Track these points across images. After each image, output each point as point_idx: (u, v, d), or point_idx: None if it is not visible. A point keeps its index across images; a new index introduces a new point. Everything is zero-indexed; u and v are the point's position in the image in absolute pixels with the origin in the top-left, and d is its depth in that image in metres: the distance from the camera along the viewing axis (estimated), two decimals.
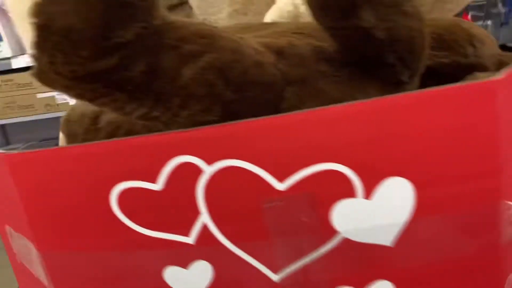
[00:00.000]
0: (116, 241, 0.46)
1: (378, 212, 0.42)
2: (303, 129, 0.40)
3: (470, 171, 0.41)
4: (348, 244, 0.44)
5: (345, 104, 0.40)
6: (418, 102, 0.40)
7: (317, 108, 0.40)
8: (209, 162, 0.42)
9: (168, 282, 0.47)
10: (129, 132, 0.52)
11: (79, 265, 0.48)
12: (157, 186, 0.43)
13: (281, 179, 0.42)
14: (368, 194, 0.42)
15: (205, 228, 0.44)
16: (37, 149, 0.43)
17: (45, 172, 0.44)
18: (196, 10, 0.84)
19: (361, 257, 0.44)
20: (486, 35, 0.57)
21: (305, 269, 0.45)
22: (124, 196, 0.44)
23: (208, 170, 0.42)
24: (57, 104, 3.01)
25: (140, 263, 0.47)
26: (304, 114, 0.40)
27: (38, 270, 0.51)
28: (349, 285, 0.45)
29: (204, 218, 0.44)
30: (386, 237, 0.43)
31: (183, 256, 0.46)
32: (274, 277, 0.45)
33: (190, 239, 0.45)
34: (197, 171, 0.42)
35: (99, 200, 0.45)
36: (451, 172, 0.41)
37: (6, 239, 0.57)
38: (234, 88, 0.42)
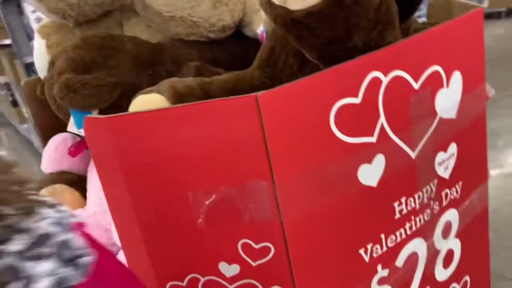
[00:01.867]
0: (331, 152, 0.57)
1: (450, 95, 0.70)
2: (424, 44, 0.64)
3: None
4: (439, 121, 0.69)
5: None
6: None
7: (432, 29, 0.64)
8: (385, 74, 0.60)
9: (360, 180, 0.61)
10: None
11: (305, 184, 0.56)
12: (358, 100, 0.58)
13: (416, 80, 0.64)
14: (448, 84, 0.69)
15: (382, 127, 0.61)
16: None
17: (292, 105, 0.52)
18: (162, 8, 0.88)
19: (444, 128, 0.70)
20: None
21: (425, 145, 0.68)
22: (338, 113, 0.56)
23: (385, 80, 0.60)
24: None
25: (344, 169, 0.59)
26: (425, 34, 0.64)
27: (261, 205, 0.54)
28: (442, 150, 0.71)
29: (382, 119, 0.61)
30: (453, 112, 0.71)
31: (369, 154, 0.61)
32: (413, 154, 0.66)
33: (373, 139, 0.61)
34: (379, 82, 0.60)
35: (321, 119, 0.55)
36: None
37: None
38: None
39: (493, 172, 1.89)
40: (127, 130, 0.56)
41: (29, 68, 2.42)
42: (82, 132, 0.83)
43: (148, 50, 0.90)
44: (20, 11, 2.32)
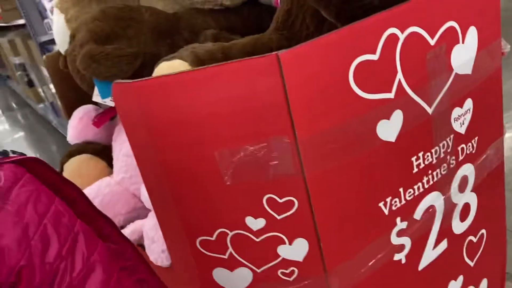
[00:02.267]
0: (350, 109, 0.59)
1: (466, 50, 0.71)
2: (440, 0, 0.65)
3: None
4: (455, 77, 0.70)
5: None
6: None
7: None
8: (402, 30, 0.61)
9: (379, 135, 0.63)
10: None
11: (326, 140, 0.58)
12: (375, 56, 0.60)
13: (432, 36, 0.65)
14: (463, 40, 0.70)
15: (399, 83, 0.63)
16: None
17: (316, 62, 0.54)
18: None
19: (460, 84, 0.72)
20: None
21: (441, 100, 0.69)
22: (356, 69, 0.58)
23: (401, 37, 0.61)
24: None
25: (363, 124, 0.61)
26: None
27: (284, 162, 0.57)
28: (458, 106, 0.72)
29: (399, 75, 0.63)
30: (469, 68, 0.72)
31: (387, 110, 0.63)
32: (429, 110, 0.68)
33: (391, 95, 0.63)
34: (396, 38, 0.61)
35: (340, 76, 0.57)
36: None
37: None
38: None
39: (507, 135, 1.89)
40: (153, 94, 0.59)
41: (44, 47, 2.46)
42: (106, 101, 0.86)
43: (165, 20, 0.91)
44: None
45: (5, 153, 0.54)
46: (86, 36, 0.84)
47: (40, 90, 3.56)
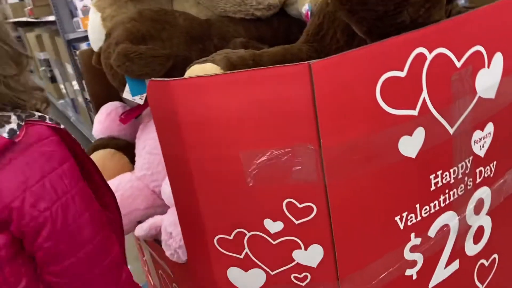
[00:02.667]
0: (375, 122, 0.61)
1: (491, 75, 0.72)
2: (469, 24, 0.67)
3: None
4: (478, 100, 0.72)
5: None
6: None
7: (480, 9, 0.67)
8: (430, 50, 0.63)
9: (401, 151, 0.65)
10: None
11: (350, 150, 0.60)
12: (403, 73, 0.62)
13: (458, 59, 0.67)
14: (489, 65, 0.72)
15: (423, 101, 0.65)
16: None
17: (341, 73, 0.56)
18: None
19: (482, 108, 0.73)
20: None
21: (463, 122, 0.71)
22: (383, 84, 0.60)
23: (429, 57, 0.63)
24: None
25: (386, 138, 0.63)
26: (470, 14, 0.67)
27: (307, 168, 0.59)
28: (479, 129, 0.74)
29: (424, 93, 0.64)
30: (492, 92, 0.74)
31: (409, 126, 0.65)
32: (451, 130, 0.70)
33: (415, 112, 0.64)
34: (423, 58, 0.63)
35: (368, 89, 0.59)
36: None
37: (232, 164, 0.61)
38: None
39: None
40: (186, 93, 0.61)
41: (71, 44, 2.52)
42: (136, 99, 0.89)
43: (198, 26, 0.95)
44: None
45: (43, 118, 0.63)
46: (122, 35, 0.88)
47: (62, 86, 3.64)
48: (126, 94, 0.89)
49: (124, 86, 0.90)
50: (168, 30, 0.91)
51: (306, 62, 0.55)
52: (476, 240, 0.82)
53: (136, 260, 1.43)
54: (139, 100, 0.90)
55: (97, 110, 1.09)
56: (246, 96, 0.59)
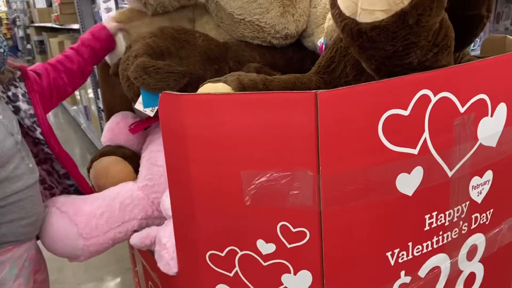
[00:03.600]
0: (375, 156, 0.63)
1: (493, 124, 0.74)
2: (476, 72, 0.69)
3: None
4: (479, 147, 0.73)
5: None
6: None
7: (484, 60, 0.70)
8: (435, 93, 0.65)
9: (398, 187, 0.66)
10: None
11: (347, 181, 0.61)
12: (406, 112, 0.64)
13: (462, 104, 0.69)
14: (492, 113, 0.73)
15: (424, 141, 0.66)
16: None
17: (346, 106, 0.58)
18: (234, 11, 0.98)
19: (483, 155, 0.75)
20: None
21: (462, 166, 0.72)
22: (386, 120, 0.62)
23: (433, 99, 0.65)
24: None
25: (384, 174, 0.64)
26: (478, 62, 0.69)
27: (304, 193, 0.60)
28: (478, 175, 0.75)
29: (425, 134, 0.66)
30: (494, 141, 0.75)
31: (408, 164, 0.66)
32: (450, 173, 0.71)
33: (415, 151, 0.66)
34: (428, 99, 0.65)
35: (371, 123, 0.61)
36: None
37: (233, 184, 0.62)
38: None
39: None
40: (196, 108, 0.64)
41: None
42: (147, 111, 0.92)
43: (216, 47, 0.98)
44: (93, 0, 2.50)
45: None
46: (142, 49, 0.91)
47: (77, 92, 3.70)
48: (138, 105, 0.92)
49: (138, 97, 0.93)
50: (187, 48, 0.94)
51: (314, 91, 0.57)
52: (467, 286, 0.82)
53: (128, 272, 1.43)
54: (149, 112, 0.92)
55: (108, 119, 1.12)
56: (253, 117, 0.62)
